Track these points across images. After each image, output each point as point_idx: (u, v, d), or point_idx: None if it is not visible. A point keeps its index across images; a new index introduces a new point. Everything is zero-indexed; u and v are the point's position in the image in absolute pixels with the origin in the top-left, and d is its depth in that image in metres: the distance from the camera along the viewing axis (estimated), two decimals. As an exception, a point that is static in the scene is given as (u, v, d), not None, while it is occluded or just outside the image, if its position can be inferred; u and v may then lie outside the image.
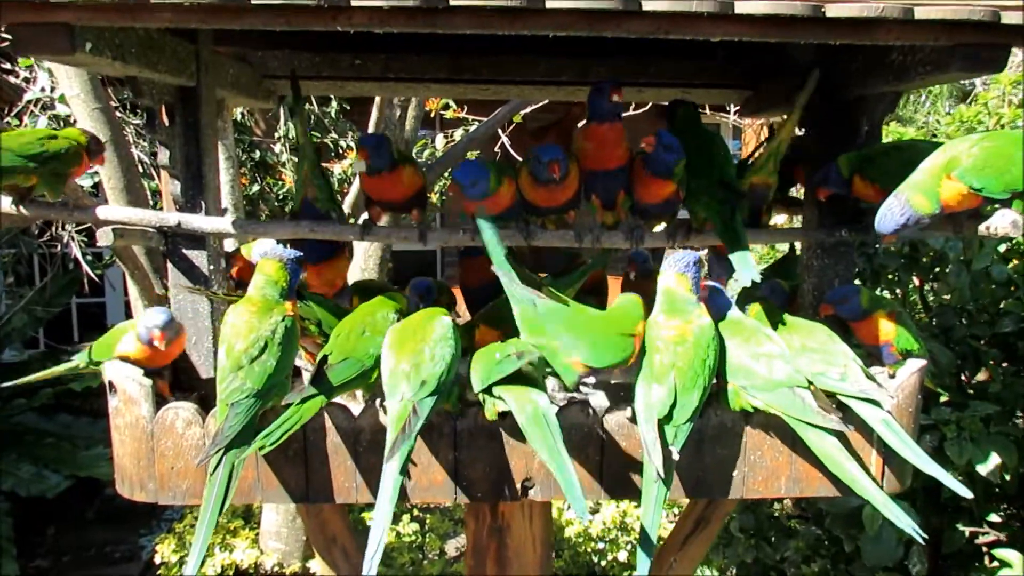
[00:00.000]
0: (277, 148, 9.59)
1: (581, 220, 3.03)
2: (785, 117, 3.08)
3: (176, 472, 2.44)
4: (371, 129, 5.87)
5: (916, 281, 4.45)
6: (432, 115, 8.72)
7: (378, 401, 2.46)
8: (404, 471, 2.19)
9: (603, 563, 6.90)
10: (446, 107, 8.51)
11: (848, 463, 2.41)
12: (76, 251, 8.04)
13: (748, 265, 2.66)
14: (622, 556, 6.82)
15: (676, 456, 2.23)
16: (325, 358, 2.45)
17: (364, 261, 6.74)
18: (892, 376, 2.71)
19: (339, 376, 2.40)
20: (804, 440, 2.43)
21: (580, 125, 3.00)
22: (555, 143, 2.88)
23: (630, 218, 3.05)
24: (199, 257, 2.97)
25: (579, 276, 3.23)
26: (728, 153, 2.97)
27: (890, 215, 2.50)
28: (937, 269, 4.36)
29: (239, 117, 9.37)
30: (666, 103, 3.40)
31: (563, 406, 2.48)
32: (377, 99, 5.62)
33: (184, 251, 2.96)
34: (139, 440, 2.44)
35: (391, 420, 2.22)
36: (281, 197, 9.48)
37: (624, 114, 2.95)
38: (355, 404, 2.57)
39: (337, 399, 2.49)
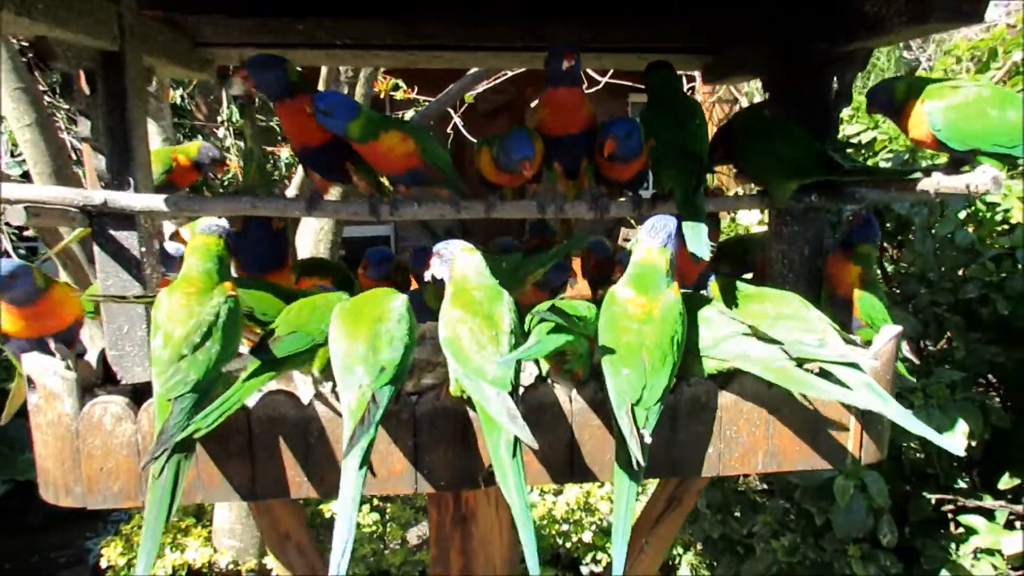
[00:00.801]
0: (220, 133, 9.21)
1: (543, 190, 2.88)
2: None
3: (106, 473, 2.22)
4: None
5: (881, 249, 4.41)
6: (382, 96, 8.46)
7: (328, 387, 2.27)
8: (365, 465, 2.00)
9: (568, 545, 6.81)
10: (396, 88, 8.27)
11: (815, 380, 2.30)
12: (6, 244, 7.61)
13: (701, 241, 2.54)
14: (587, 537, 6.75)
15: (648, 439, 2.09)
16: (271, 332, 2.24)
17: (315, 247, 6.48)
18: (868, 344, 2.62)
19: (286, 348, 2.19)
20: (762, 376, 2.33)
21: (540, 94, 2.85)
22: (517, 126, 2.74)
23: (593, 187, 2.91)
24: (129, 239, 2.72)
25: (551, 257, 3.07)
26: (703, 123, 2.85)
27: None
28: (900, 237, 4.31)
29: (179, 100, 8.97)
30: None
31: (530, 385, 2.32)
32: (323, 73, 5.35)
33: (112, 232, 2.72)
34: (63, 439, 2.21)
35: (347, 411, 2.03)
36: (226, 183, 9.13)
37: (588, 91, 2.83)
38: (303, 390, 2.37)
39: (285, 387, 2.29)
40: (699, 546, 4.81)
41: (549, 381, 2.35)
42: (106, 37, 2.55)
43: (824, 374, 2.39)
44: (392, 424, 2.26)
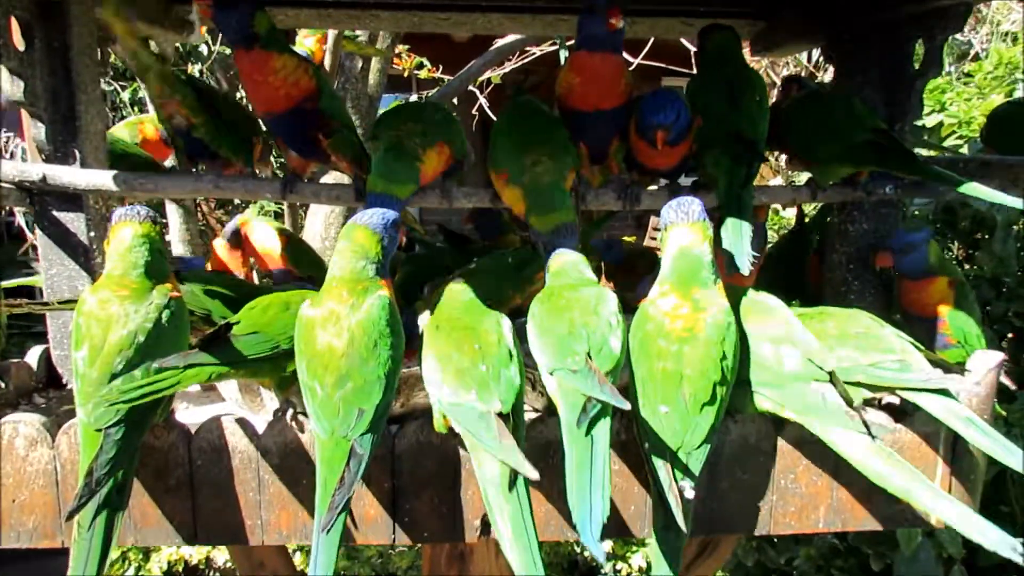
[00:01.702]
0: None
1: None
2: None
3: (19, 507, 1.83)
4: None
5: (954, 250, 3.89)
6: (406, 74, 8.03)
7: (289, 413, 1.84)
8: (340, 531, 1.58)
9: (586, 553, 6.41)
10: (420, 66, 7.84)
11: (897, 472, 1.81)
12: (20, 219, 7.34)
13: (741, 248, 2.07)
14: (606, 545, 6.34)
15: (691, 493, 1.65)
16: (228, 325, 1.82)
17: (324, 231, 6.07)
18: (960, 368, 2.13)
19: (244, 349, 1.77)
20: (832, 447, 1.82)
21: (567, 57, 2.37)
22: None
23: (623, 172, 2.44)
24: (75, 222, 2.33)
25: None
26: (763, 100, 2.35)
27: None
28: (978, 236, 3.78)
29: (197, 75, 8.62)
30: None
31: (535, 419, 1.87)
32: (330, 39, 4.91)
33: (55, 214, 2.32)
34: (-36, 467, 1.82)
35: (321, 462, 1.61)
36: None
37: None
38: (258, 415, 1.95)
39: (237, 410, 1.87)
40: (729, 574, 4.35)
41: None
42: (44, -19, 2.14)
43: (898, 409, 1.93)
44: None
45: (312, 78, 2.23)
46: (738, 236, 2.07)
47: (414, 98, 8.46)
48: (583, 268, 1.97)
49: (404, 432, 1.84)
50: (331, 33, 5.07)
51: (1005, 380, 2.40)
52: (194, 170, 2.65)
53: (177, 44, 6.79)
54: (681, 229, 1.93)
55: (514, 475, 1.58)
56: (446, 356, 1.71)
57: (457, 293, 1.99)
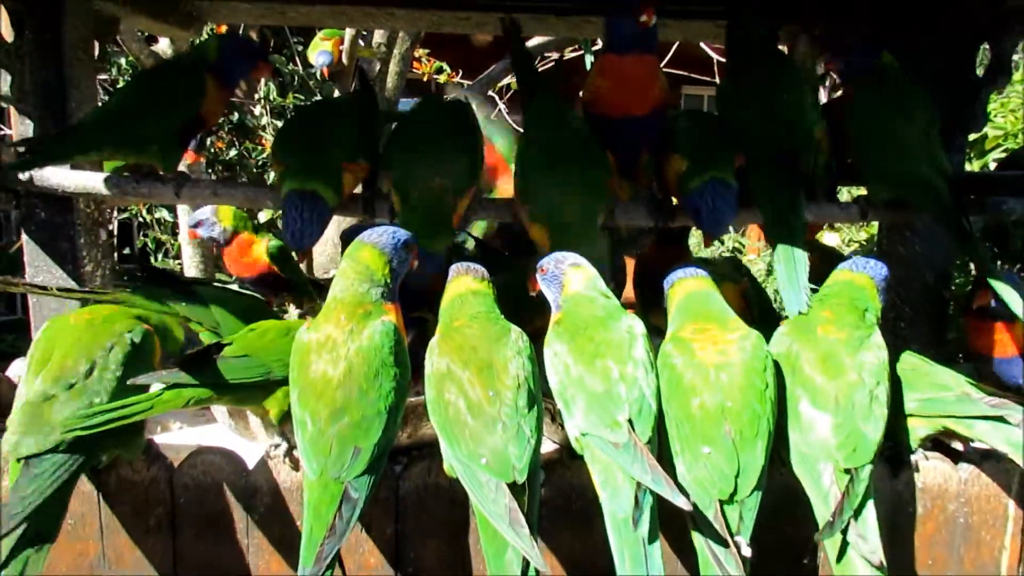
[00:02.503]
0: (257, 111, 8.75)
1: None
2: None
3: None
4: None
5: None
6: (426, 79, 7.89)
7: (282, 448, 1.67)
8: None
9: None
10: (440, 70, 7.70)
11: None
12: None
13: (797, 285, 1.86)
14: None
15: (747, 550, 1.45)
16: (218, 345, 1.65)
17: (336, 236, 5.93)
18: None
19: (231, 373, 1.60)
20: None
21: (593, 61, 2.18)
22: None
23: (655, 188, 2.24)
24: (64, 226, 2.17)
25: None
26: (808, 102, 2.13)
27: None
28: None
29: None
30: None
31: (554, 460, 1.68)
32: (347, 40, 4.76)
33: (43, 217, 2.17)
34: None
35: (308, 505, 1.42)
36: (261, 163, 8.66)
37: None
38: (250, 443, 1.77)
39: (229, 433, 1.69)
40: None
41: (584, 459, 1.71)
42: (36, -31, 1.99)
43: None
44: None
45: None
46: (791, 271, 1.86)
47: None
48: (600, 286, 1.78)
49: (409, 473, 1.65)
50: (347, 34, 4.94)
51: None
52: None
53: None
54: (685, 281, 1.86)
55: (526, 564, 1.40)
56: (456, 415, 1.50)
57: (472, 314, 1.78)
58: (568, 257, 1.81)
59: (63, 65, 2.11)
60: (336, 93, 8.08)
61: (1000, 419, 1.69)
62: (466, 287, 1.74)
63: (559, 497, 1.64)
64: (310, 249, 2.06)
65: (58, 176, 2.09)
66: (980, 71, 2.25)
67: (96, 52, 2.31)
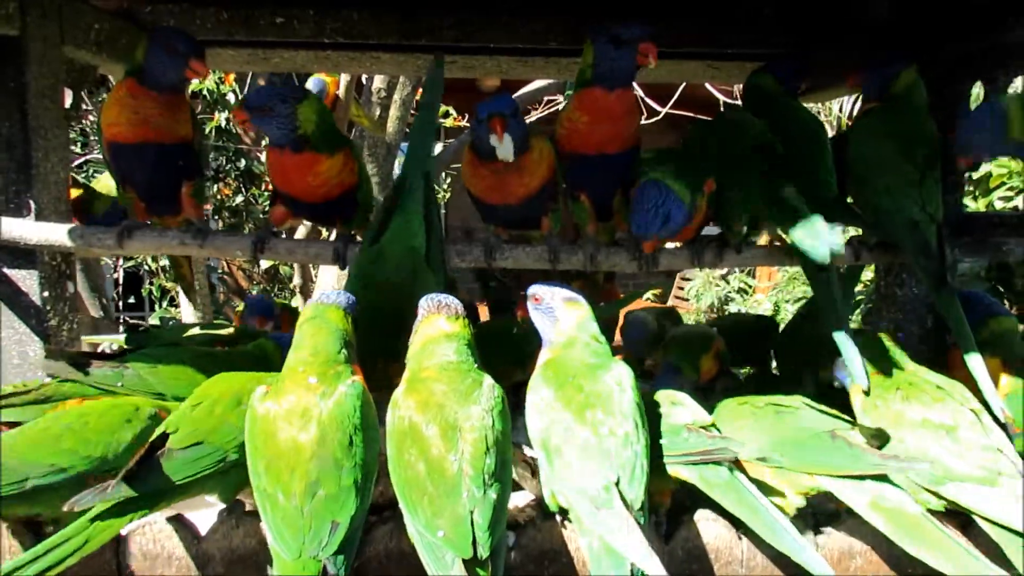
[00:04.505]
0: (264, 156, 8.79)
1: (557, 232, 2.15)
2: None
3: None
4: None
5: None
6: (431, 123, 7.92)
7: (235, 514, 1.57)
8: None
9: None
10: (446, 115, 7.75)
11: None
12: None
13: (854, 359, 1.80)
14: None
15: None
16: (164, 437, 1.54)
17: (337, 282, 5.87)
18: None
19: (181, 471, 1.49)
20: None
21: (570, 94, 2.12)
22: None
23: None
24: (28, 279, 2.11)
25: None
26: (823, 149, 2.08)
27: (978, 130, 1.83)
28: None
29: (224, 123, 8.61)
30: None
31: (528, 522, 1.57)
32: (342, 85, 4.75)
33: (5, 271, 2.11)
34: None
35: None
36: (267, 209, 8.69)
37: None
38: (201, 511, 1.67)
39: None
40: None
41: (558, 518, 1.60)
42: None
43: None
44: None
45: (357, 166, 2.18)
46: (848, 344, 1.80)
47: (440, 147, 8.33)
48: (593, 328, 1.69)
49: (371, 537, 1.55)
50: (343, 78, 4.94)
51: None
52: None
53: (204, 91, 6.76)
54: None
55: None
56: (415, 478, 1.40)
57: (441, 365, 1.66)
58: (563, 291, 1.73)
59: (27, 113, 2.07)
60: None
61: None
62: (439, 331, 1.62)
63: (529, 562, 1.53)
64: None
65: (20, 228, 2.03)
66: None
67: (68, 101, 2.28)
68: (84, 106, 5.70)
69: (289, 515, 1.34)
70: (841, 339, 1.81)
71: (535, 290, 1.74)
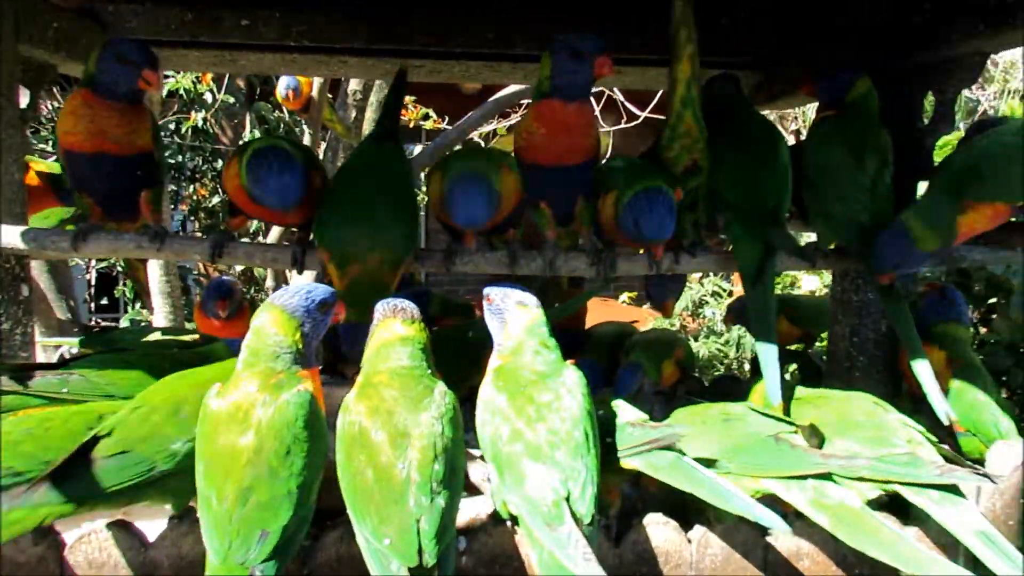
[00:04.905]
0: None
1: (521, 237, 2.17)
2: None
3: None
4: (308, 138, 4.99)
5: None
6: (411, 125, 7.92)
7: (185, 521, 1.56)
8: None
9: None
10: (426, 117, 7.73)
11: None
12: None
13: (770, 360, 1.89)
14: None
15: None
16: (94, 440, 1.51)
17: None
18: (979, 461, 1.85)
19: (109, 478, 1.46)
20: None
21: (529, 104, 2.13)
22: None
23: (593, 237, 2.18)
24: (-21, 282, 2.09)
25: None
26: (780, 157, 2.12)
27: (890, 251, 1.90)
28: (993, 301, 3.49)
29: (201, 123, 8.55)
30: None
31: (480, 527, 1.58)
32: (315, 88, 4.74)
33: (-41, 274, 2.09)
34: None
35: None
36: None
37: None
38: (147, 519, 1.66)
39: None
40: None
41: (509, 523, 1.61)
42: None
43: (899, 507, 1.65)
44: None
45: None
46: (767, 348, 1.90)
47: (419, 149, 8.28)
48: (543, 332, 1.68)
49: (322, 543, 1.55)
50: (316, 81, 4.93)
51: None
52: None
53: (180, 90, 6.71)
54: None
55: None
56: (363, 485, 1.40)
57: (394, 370, 1.65)
58: (515, 293, 1.73)
59: (-20, 113, 2.06)
60: (305, 128, 8.05)
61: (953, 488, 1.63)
62: (393, 334, 1.62)
63: (481, 566, 1.54)
64: None
65: (-27, 230, 2.01)
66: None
67: (25, 100, 2.26)
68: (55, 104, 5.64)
69: (220, 519, 1.35)
70: (766, 352, 1.86)
71: (488, 291, 1.74)
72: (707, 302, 7.35)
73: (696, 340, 6.43)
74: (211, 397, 1.48)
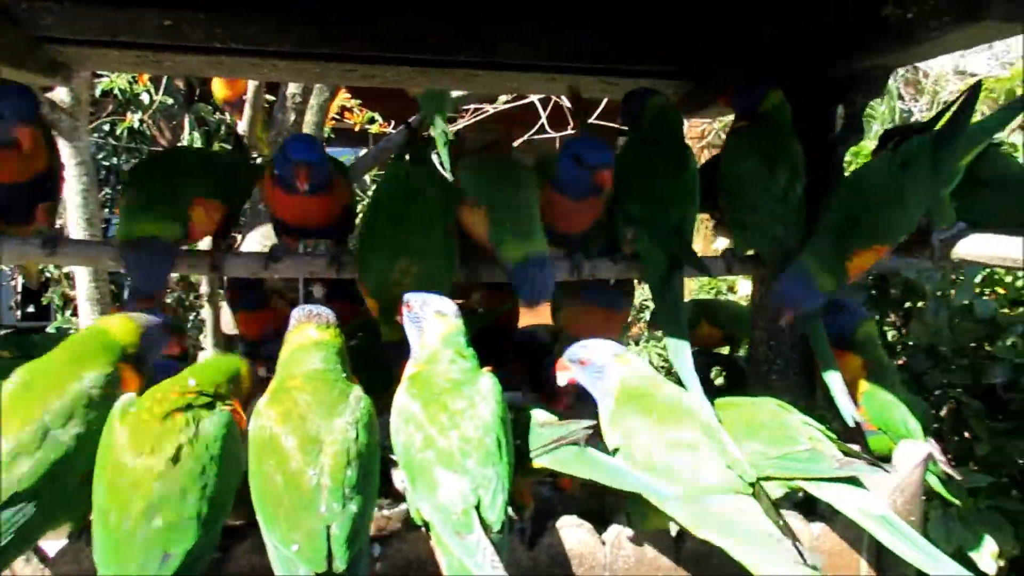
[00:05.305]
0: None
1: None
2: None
3: None
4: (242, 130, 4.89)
5: (888, 318, 3.73)
6: (356, 128, 7.85)
7: (85, 536, 1.52)
8: None
9: None
10: (371, 121, 7.68)
11: None
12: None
13: (683, 356, 1.98)
14: None
15: None
16: None
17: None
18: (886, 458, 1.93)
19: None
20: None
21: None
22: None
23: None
24: None
25: None
26: (691, 176, 2.21)
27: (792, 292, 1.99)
28: (909, 304, 3.63)
29: (137, 124, 8.32)
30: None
31: (395, 532, 1.58)
32: (250, 91, 4.66)
33: None
34: None
35: None
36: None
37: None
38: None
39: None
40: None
41: (423, 529, 1.61)
42: None
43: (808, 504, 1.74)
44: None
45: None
46: (678, 347, 1.99)
47: (363, 152, 8.20)
48: (460, 342, 1.70)
49: (232, 554, 1.53)
50: (251, 84, 4.84)
51: (945, 468, 2.19)
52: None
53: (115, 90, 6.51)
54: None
55: None
56: (272, 491, 1.40)
57: (308, 374, 1.64)
58: (434, 302, 1.73)
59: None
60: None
61: (853, 480, 1.70)
62: (307, 338, 1.62)
63: (395, 572, 1.54)
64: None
65: None
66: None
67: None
68: None
69: (118, 537, 1.31)
70: (681, 361, 1.95)
71: (408, 297, 1.75)
72: (648, 306, 7.46)
73: (637, 344, 6.53)
74: (119, 409, 1.45)
